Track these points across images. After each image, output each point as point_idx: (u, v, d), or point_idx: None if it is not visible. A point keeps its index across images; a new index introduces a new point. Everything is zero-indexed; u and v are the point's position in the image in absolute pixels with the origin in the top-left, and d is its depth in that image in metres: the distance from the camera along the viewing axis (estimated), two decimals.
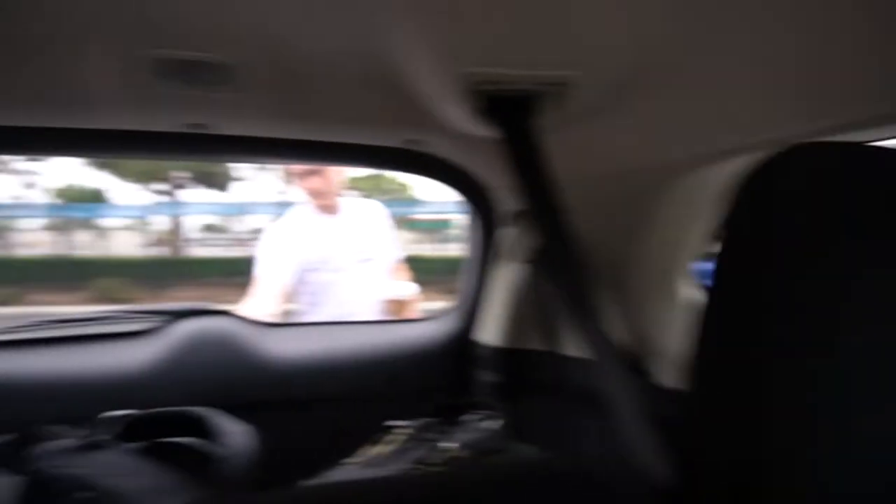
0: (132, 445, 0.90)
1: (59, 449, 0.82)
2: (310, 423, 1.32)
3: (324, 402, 1.38)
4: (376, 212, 2.15)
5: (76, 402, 1.18)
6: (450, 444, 1.05)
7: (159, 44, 0.74)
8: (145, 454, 0.89)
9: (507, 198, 1.28)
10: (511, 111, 0.78)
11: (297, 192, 2.11)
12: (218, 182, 18.84)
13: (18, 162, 20.08)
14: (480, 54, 0.68)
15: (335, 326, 1.57)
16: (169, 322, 1.33)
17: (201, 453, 0.91)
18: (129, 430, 0.92)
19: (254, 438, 0.95)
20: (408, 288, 2.02)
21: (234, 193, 18.82)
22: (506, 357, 1.37)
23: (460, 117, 0.86)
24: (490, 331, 1.41)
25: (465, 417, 1.20)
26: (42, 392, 1.18)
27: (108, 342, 1.29)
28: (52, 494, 0.75)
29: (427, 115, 0.93)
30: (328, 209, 2.03)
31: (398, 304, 1.99)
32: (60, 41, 0.74)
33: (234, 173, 18.39)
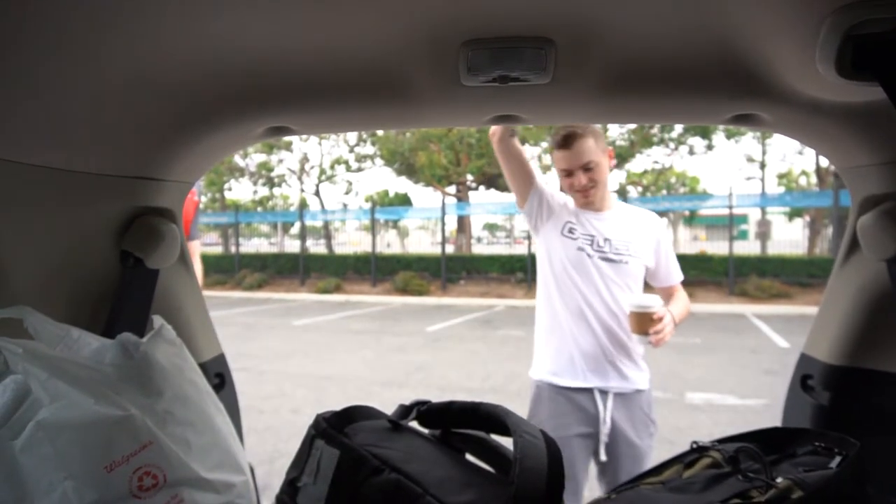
0: (430, 433, 0.91)
1: (371, 429, 0.86)
2: None
3: None
4: (651, 220, 2.15)
5: None
6: (781, 482, 0.85)
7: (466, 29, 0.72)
8: (440, 442, 0.90)
9: (865, 179, 1.01)
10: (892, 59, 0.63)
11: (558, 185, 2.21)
12: (500, 184, 19.95)
13: (341, 174, 24.03)
14: None
15: None
16: None
17: (494, 449, 0.88)
18: (426, 417, 0.93)
19: (549, 443, 0.89)
20: (655, 301, 1.89)
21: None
22: (845, 378, 1.11)
23: (813, 79, 0.74)
24: (826, 343, 1.15)
25: (794, 449, 0.98)
26: None
27: None
28: (361, 471, 0.77)
29: (765, 83, 0.82)
30: (591, 206, 2.10)
31: (641, 317, 1.86)
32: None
33: None
